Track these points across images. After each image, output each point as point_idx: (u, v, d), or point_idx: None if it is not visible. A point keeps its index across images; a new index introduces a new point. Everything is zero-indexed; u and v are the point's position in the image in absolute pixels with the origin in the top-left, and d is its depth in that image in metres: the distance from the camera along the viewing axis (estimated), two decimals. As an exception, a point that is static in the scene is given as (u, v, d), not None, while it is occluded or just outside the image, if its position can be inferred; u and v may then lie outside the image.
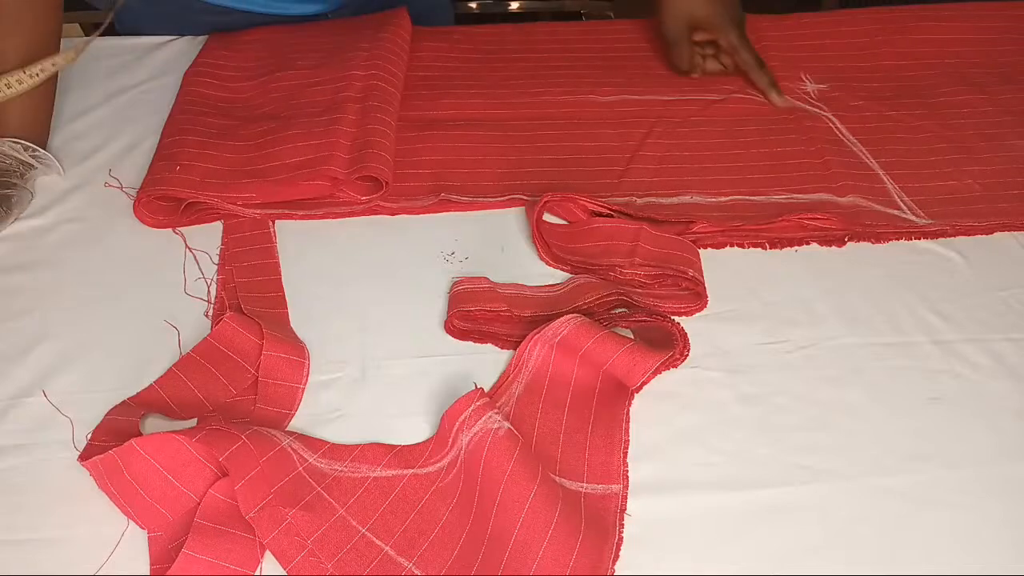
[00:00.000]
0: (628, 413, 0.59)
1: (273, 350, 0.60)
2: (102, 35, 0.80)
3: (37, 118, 0.74)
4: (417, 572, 0.51)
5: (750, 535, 0.53)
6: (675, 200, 0.74)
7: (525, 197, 0.73)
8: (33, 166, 0.73)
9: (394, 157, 0.74)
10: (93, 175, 0.76)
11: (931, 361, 0.62)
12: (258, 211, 0.72)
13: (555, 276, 0.68)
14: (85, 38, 0.75)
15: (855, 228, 0.71)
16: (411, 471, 0.56)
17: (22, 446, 0.57)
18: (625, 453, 0.57)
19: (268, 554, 0.51)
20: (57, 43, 0.76)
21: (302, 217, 0.72)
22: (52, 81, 0.75)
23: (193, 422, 0.58)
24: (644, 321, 0.63)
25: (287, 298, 0.66)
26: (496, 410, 0.55)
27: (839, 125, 0.81)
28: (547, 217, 0.71)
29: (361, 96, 0.78)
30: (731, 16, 0.85)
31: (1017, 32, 0.92)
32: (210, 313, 0.65)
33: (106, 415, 0.58)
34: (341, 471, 0.55)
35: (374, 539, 0.52)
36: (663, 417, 0.59)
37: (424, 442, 0.57)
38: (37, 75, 0.71)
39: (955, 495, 0.55)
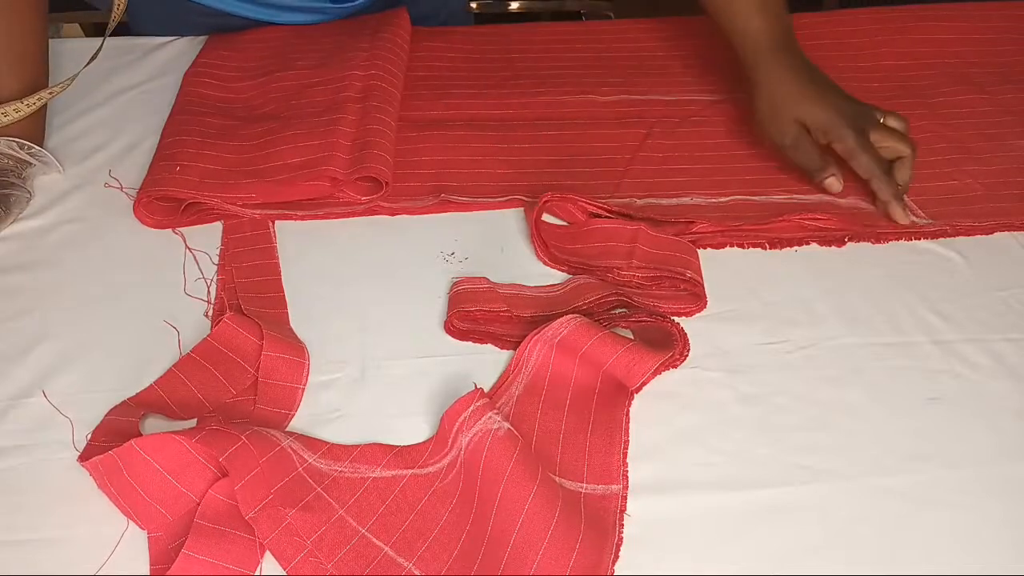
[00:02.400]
0: (628, 413, 0.59)
1: (273, 350, 0.60)
2: (101, 34, 0.80)
3: (32, 117, 0.74)
4: (417, 572, 0.51)
5: (750, 535, 0.53)
6: (675, 201, 0.74)
7: (525, 197, 0.73)
8: (31, 164, 0.73)
9: (394, 157, 0.74)
10: (93, 175, 0.76)
11: (931, 361, 0.62)
12: (258, 211, 0.72)
13: (554, 276, 0.68)
14: (79, 69, 0.77)
15: (855, 228, 0.71)
16: (411, 471, 0.56)
17: (22, 446, 0.57)
18: (625, 453, 0.57)
19: (268, 554, 0.51)
20: (45, 42, 0.76)
21: (302, 217, 0.72)
22: (45, 79, 0.76)
23: (193, 422, 0.58)
24: (644, 321, 0.63)
25: (287, 298, 0.66)
26: (496, 410, 0.55)
27: (839, 125, 0.81)
28: (546, 218, 0.71)
29: (361, 96, 0.78)
30: (847, 115, 0.72)
31: (1017, 32, 0.92)
32: (210, 313, 0.65)
33: (106, 415, 0.58)
34: (341, 471, 0.55)
35: (374, 539, 0.52)
36: (663, 417, 0.59)
37: (424, 442, 0.57)
38: (34, 104, 0.73)
39: (955, 495, 0.55)
